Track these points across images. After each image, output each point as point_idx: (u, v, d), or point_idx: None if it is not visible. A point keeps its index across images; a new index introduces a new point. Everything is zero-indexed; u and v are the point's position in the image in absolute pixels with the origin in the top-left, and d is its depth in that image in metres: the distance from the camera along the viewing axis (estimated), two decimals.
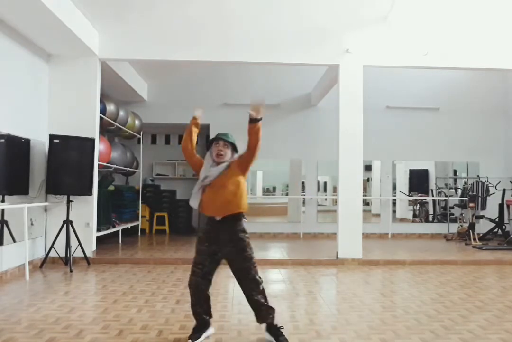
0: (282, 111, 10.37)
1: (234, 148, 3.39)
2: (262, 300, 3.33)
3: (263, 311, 3.35)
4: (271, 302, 3.39)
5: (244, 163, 3.33)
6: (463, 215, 10.01)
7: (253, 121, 3.16)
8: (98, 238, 7.15)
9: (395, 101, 10.40)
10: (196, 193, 3.36)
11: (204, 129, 10.71)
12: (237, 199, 3.29)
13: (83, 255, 6.45)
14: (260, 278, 3.35)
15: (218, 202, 3.28)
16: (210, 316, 3.47)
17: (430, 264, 6.85)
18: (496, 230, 9.50)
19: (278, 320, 3.44)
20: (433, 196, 10.98)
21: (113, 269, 6.24)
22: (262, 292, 3.35)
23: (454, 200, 10.75)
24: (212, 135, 10.21)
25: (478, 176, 10.30)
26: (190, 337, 3.34)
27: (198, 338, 3.34)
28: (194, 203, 3.37)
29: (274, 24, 6.93)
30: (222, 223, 3.31)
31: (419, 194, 11.11)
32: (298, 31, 7.00)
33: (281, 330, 3.38)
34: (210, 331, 3.47)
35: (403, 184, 11.13)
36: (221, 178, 3.30)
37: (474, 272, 6.34)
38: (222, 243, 3.32)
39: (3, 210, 5.52)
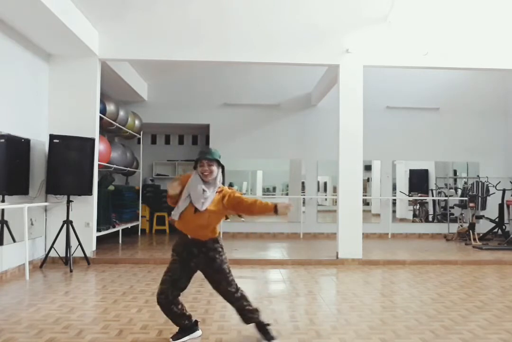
0: (282, 111, 10.38)
1: (219, 164, 3.33)
2: (242, 305, 3.37)
3: (245, 315, 3.40)
4: (253, 303, 3.43)
5: (233, 208, 3.28)
6: (463, 215, 10.01)
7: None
8: (98, 238, 7.15)
9: (395, 101, 10.40)
10: (181, 208, 3.27)
11: (204, 129, 10.78)
12: (210, 230, 3.30)
13: (83, 255, 6.45)
14: (234, 288, 3.33)
15: (193, 224, 3.27)
16: (190, 319, 3.41)
17: (430, 264, 6.85)
18: (496, 230, 9.50)
19: (265, 318, 3.46)
20: (433, 196, 10.98)
21: (113, 269, 6.24)
22: (240, 299, 3.36)
23: (454, 200, 10.75)
24: (212, 136, 10.28)
25: (478, 176, 10.29)
26: (172, 336, 3.36)
27: (180, 338, 3.35)
28: (176, 216, 3.30)
29: (274, 24, 6.93)
30: (194, 241, 3.30)
31: (419, 194, 11.11)
32: (298, 31, 7.00)
33: (268, 327, 3.39)
34: (196, 333, 3.46)
35: (403, 184, 11.13)
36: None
37: (474, 272, 6.34)
38: (194, 254, 3.31)
39: (3, 210, 5.52)
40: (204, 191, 3.23)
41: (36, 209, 6.25)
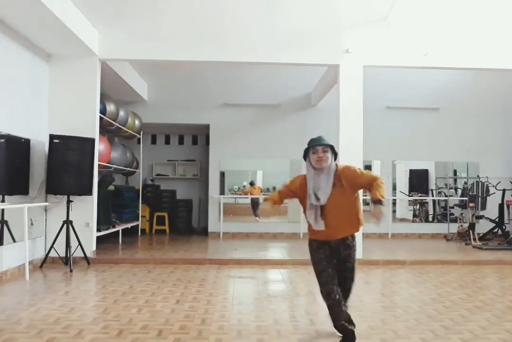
0: (282, 111, 10.36)
1: (333, 150, 3.29)
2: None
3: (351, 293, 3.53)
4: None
5: (356, 188, 3.25)
6: (463, 215, 10.00)
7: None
8: (98, 238, 7.15)
9: (395, 101, 10.39)
10: (312, 213, 3.24)
11: (204, 129, 10.78)
12: (357, 220, 3.33)
13: (83, 255, 6.45)
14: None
15: (341, 227, 3.28)
16: (354, 324, 3.31)
17: (430, 264, 6.85)
18: (496, 230, 9.50)
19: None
20: (433, 196, 10.97)
21: (113, 269, 6.24)
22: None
23: (454, 200, 10.75)
24: (212, 136, 10.27)
25: (478, 176, 10.29)
26: None
27: None
28: (319, 226, 3.24)
29: (275, 24, 6.92)
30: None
31: (419, 194, 11.10)
32: (298, 31, 6.99)
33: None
34: None
35: (403, 184, 11.12)
36: (334, 196, 3.20)
37: (474, 272, 6.34)
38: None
39: (3, 210, 5.52)
40: (314, 176, 3.18)
41: (36, 209, 6.25)
